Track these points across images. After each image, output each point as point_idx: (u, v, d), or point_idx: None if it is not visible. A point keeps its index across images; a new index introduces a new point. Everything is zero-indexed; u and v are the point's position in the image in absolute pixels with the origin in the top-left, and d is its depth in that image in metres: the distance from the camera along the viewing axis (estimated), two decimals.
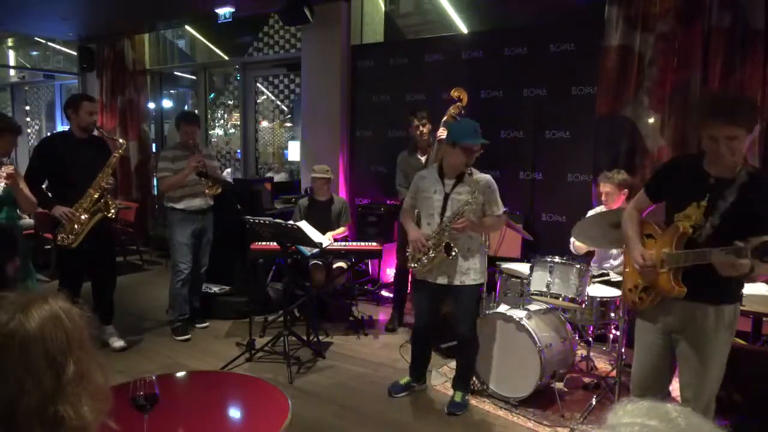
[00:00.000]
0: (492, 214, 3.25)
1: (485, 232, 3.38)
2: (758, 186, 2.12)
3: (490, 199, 3.23)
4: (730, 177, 2.15)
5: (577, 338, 3.71)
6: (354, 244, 4.83)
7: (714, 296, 2.24)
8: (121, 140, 4.16)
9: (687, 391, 2.37)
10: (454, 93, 4.27)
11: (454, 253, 3.12)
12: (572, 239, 3.88)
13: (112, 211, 3.89)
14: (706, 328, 2.27)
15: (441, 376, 3.80)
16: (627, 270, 2.56)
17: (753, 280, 2.17)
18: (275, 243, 4.09)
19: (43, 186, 3.94)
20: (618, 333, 3.34)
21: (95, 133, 4.09)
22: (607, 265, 3.96)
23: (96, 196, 3.84)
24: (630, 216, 2.50)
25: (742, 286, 2.34)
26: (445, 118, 4.26)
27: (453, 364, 3.84)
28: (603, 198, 3.79)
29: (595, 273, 3.80)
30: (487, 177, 3.26)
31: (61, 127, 9.09)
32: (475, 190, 3.15)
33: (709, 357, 2.28)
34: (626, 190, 3.73)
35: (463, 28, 5.75)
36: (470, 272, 3.24)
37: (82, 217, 3.80)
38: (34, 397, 0.92)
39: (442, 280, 3.25)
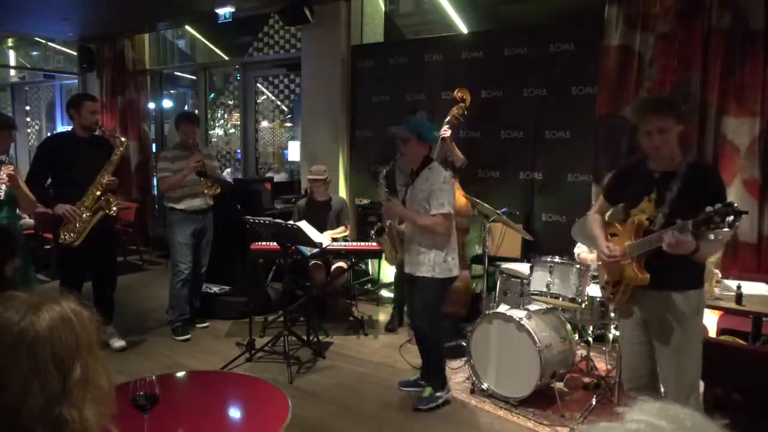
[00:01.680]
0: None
1: (421, 228, 3.23)
2: (698, 174, 2.33)
3: (431, 197, 3.18)
4: (673, 170, 2.36)
5: (577, 338, 3.70)
6: (354, 244, 4.83)
7: (679, 282, 2.37)
8: (122, 138, 4.17)
9: (667, 383, 2.47)
10: (458, 94, 4.28)
11: (382, 236, 3.40)
12: (576, 251, 3.87)
13: (114, 208, 3.91)
14: (675, 315, 2.37)
15: None
16: (599, 266, 2.75)
17: (701, 260, 2.35)
18: (275, 243, 4.10)
19: (46, 185, 3.94)
20: (618, 333, 3.33)
21: (97, 132, 4.10)
22: None
23: (98, 193, 3.85)
24: (594, 219, 2.73)
25: (703, 271, 2.48)
26: (448, 118, 4.29)
27: (454, 363, 3.85)
28: None
29: (595, 273, 3.80)
30: (437, 176, 3.21)
31: (62, 127, 9.10)
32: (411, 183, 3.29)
33: (681, 344, 2.38)
34: None
35: (463, 28, 5.76)
36: (422, 266, 3.25)
37: (85, 215, 3.81)
38: (39, 398, 0.91)
39: (406, 266, 3.37)
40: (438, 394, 3.35)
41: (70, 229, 3.79)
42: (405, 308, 4.39)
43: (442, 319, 3.57)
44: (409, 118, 3.48)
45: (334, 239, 4.64)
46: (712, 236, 2.19)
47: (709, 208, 2.08)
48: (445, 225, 3.21)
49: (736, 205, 2.07)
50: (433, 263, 3.24)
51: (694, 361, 2.40)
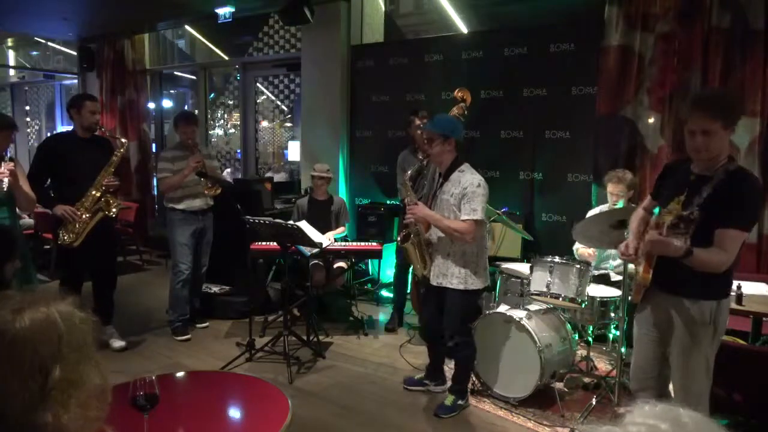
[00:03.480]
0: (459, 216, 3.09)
1: (446, 233, 3.12)
2: (732, 182, 2.20)
3: (463, 201, 3.07)
4: (710, 174, 2.24)
5: (577, 338, 3.71)
6: (354, 244, 4.83)
7: (691, 290, 2.29)
8: (123, 139, 4.17)
9: (676, 387, 2.43)
10: (458, 94, 4.27)
11: (407, 243, 3.24)
12: (575, 247, 3.87)
13: (113, 210, 3.90)
14: (684, 321, 2.31)
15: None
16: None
17: (698, 268, 2.19)
18: (275, 243, 4.10)
19: (46, 185, 3.94)
20: (618, 333, 3.34)
21: (98, 132, 4.10)
22: (607, 265, 3.96)
23: (98, 195, 3.85)
24: (636, 214, 2.65)
25: (726, 283, 2.35)
26: None
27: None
28: (612, 199, 3.75)
29: (595, 273, 3.80)
30: (472, 180, 3.09)
31: (61, 127, 9.10)
32: (446, 186, 3.16)
33: (690, 352, 2.32)
34: (632, 191, 3.72)
35: (463, 28, 5.75)
36: (450, 277, 3.16)
37: (84, 216, 3.81)
38: (18, 399, 0.90)
39: (432, 279, 3.26)
40: (459, 402, 3.32)
41: (70, 230, 3.78)
42: (419, 312, 4.34)
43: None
44: (436, 116, 3.31)
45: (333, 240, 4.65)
46: (677, 242, 2.10)
47: (684, 213, 2.03)
48: (476, 232, 3.07)
49: (687, 213, 2.01)
50: (464, 276, 3.14)
51: (701, 372, 2.33)
